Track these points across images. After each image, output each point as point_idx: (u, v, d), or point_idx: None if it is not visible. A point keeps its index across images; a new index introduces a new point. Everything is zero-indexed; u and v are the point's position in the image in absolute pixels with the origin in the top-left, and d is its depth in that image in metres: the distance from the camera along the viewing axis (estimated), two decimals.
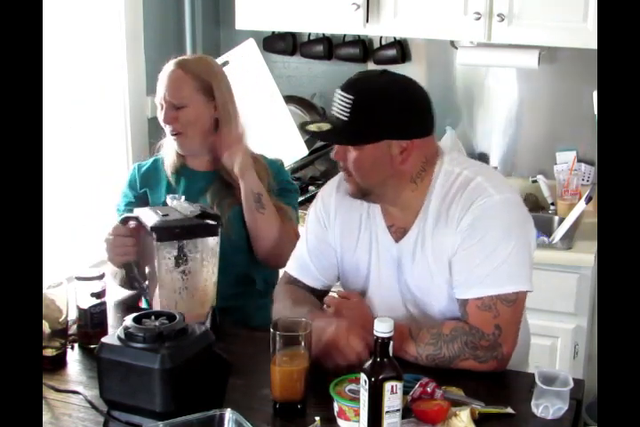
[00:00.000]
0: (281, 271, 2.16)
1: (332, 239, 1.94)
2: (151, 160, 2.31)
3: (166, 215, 1.84)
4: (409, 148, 1.73)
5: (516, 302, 1.73)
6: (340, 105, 1.71)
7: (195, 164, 2.24)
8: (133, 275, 1.96)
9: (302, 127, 1.79)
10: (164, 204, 2.01)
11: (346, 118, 1.70)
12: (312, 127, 1.77)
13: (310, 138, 3.11)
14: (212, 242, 1.85)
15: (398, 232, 1.85)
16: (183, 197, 1.93)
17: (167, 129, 2.17)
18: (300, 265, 1.99)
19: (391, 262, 1.86)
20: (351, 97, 1.69)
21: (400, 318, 1.80)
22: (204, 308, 1.83)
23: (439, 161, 1.81)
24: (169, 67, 2.16)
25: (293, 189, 2.33)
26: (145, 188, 2.25)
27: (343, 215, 1.92)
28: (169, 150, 2.24)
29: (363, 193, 1.80)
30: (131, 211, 2.08)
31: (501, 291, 1.72)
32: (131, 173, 2.30)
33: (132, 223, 1.94)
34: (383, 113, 1.71)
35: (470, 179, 1.77)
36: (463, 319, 1.76)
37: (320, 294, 1.98)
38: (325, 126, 1.74)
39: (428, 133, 1.78)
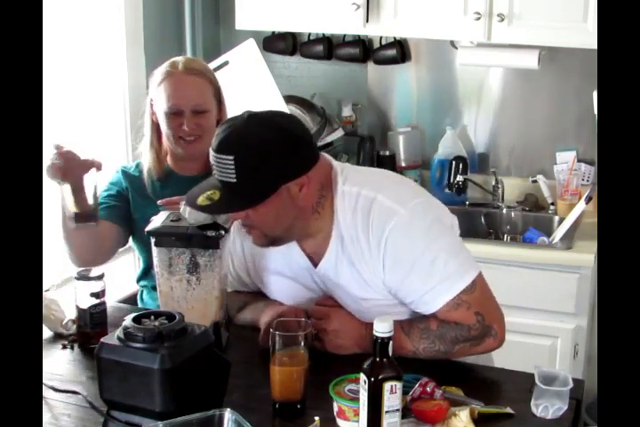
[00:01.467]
0: None
1: (243, 264, 1.94)
2: (135, 164, 2.30)
3: (176, 221, 1.81)
4: (306, 182, 1.66)
5: (476, 287, 1.74)
6: (222, 168, 1.61)
7: (184, 169, 2.24)
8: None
9: (193, 205, 1.69)
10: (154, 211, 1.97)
11: (234, 180, 1.60)
12: (202, 202, 1.64)
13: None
14: (214, 254, 1.80)
15: (315, 257, 1.80)
16: None
17: (181, 135, 2.15)
18: (234, 286, 1.99)
19: (316, 287, 1.84)
20: (231, 157, 1.59)
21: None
22: (205, 321, 1.77)
23: (334, 182, 1.74)
24: (177, 74, 2.14)
25: None
26: (129, 186, 2.25)
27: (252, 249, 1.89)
28: (151, 157, 2.22)
29: (271, 242, 1.75)
30: (111, 202, 2.16)
31: (459, 288, 1.72)
32: (116, 173, 2.29)
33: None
34: (270, 163, 1.61)
35: (371, 199, 1.71)
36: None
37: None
38: (215, 195, 1.64)
39: (316, 160, 1.70)
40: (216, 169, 1.64)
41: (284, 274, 1.87)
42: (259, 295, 1.96)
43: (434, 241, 1.73)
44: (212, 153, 1.64)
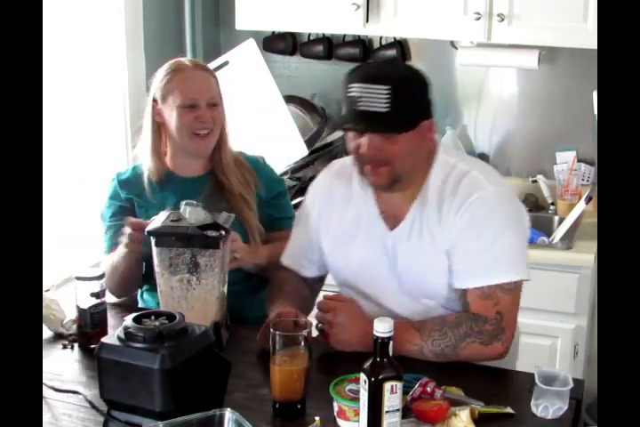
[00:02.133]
0: None
1: (316, 225, 1.98)
2: (130, 168, 2.27)
3: (176, 221, 1.81)
4: (431, 125, 1.81)
5: (514, 291, 1.78)
6: (373, 98, 1.71)
7: (186, 170, 2.22)
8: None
9: (340, 128, 1.81)
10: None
11: (385, 109, 1.70)
12: (350, 126, 1.77)
13: (310, 138, 3.12)
14: (214, 254, 1.80)
15: (390, 218, 1.87)
16: (201, 205, 1.87)
17: (195, 129, 2.13)
18: (293, 257, 2.05)
19: (383, 251, 1.87)
20: (387, 87, 1.70)
21: (398, 310, 1.86)
22: (205, 321, 1.77)
23: (436, 149, 1.86)
24: (189, 69, 2.15)
25: (283, 191, 2.33)
26: (129, 194, 2.21)
27: (331, 201, 1.96)
28: (152, 159, 2.19)
29: (394, 181, 1.81)
30: (118, 221, 2.11)
31: (502, 280, 1.77)
32: (110, 183, 2.24)
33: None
34: (417, 97, 1.78)
35: (465, 172, 1.82)
36: (464, 309, 1.80)
37: (317, 281, 2.07)
38: (359, 126, 1.75)
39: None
40: (365, 100, 1.72)
41: (355, 236, 1.90)
42: (297, 303, 1.94)
43: (507, 228, 1.79)
44: (359, 85, 1.72)
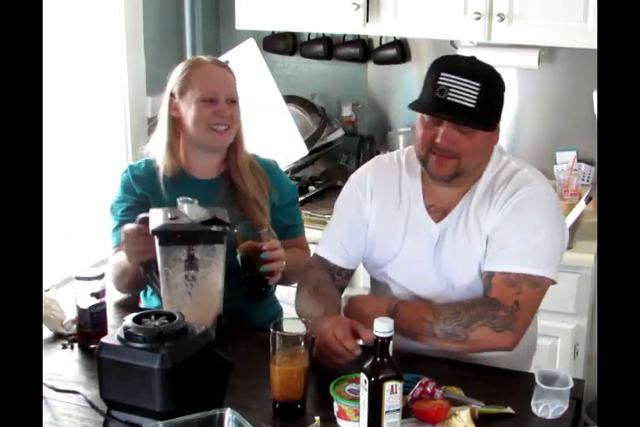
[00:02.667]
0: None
1: (367, 215, 1.98)
2: (142, 161, 2.21)
3: (175, 218, 1.80)
4: (499, 127, 1.86)
5: (539, 287, 1.80)
6: (463, 92, 1.75)
7: (199, 171, 2.18)
8: (151, 275, 1.92)
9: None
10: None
11: (472, 105, 1.74)
12: (435, 113, 1.79)
13: (310, 138, 3.12)
14: (217, 249, 1.80)
15: (438, 212, 1.90)
16: (196, 201, 1.86)
17: (213, 123, 2.09)
18: (332, 247, 2.01)
19: (428, 241, 1.90)
20: (479, 84, 1.74)
21: (428, 292, 1.89)
22: (210, 315, 1.79)
23: (493, 149, 1.91)
24: (209, 64, 2.15)
25: (296, 198, 2.30)
26: (143, 191, 2.16)
27: (380, 192, 1.97)
28: (167, 154, 2.14)
29: (456, 175, 1.84)
30: (129, 217, 2.04)
31: (530, 271, 1.78)
32: (123, 176, 2.19)
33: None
34: (501, 98, 1.84)
35: (517, 169, 1.88)
36: (485, 293, 1.81)
37: (347, 274, 2.03)
38: (445, 114, 1.77)
39: None
40: (454, 92, 1.75)
41: (403, 231, 1.92)
42: (335, 305, 1.93)
43: (547, 226, 1.83)
44: (452, 76, 1.76)
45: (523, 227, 1.81)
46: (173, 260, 1.80)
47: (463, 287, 1.87)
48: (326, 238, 2.05)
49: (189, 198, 1.86)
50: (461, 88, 1.75)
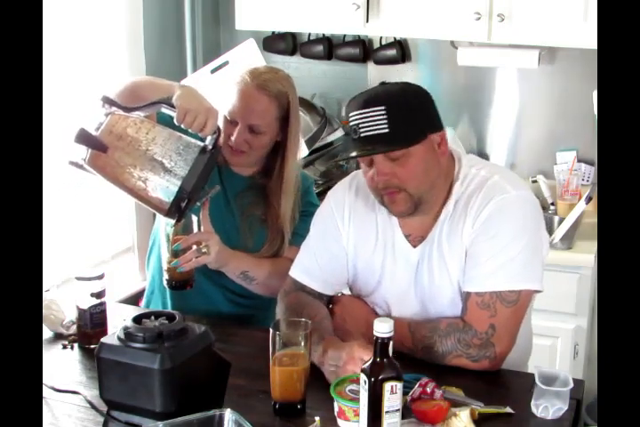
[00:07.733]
0: None
1: (345, 242, 1.92)
2: None
3: None
4: (443, 137, 1.77)
5: (517, 303, 1.74)
6: (371, 122, 1.69)
7: (239, 167, 2.17)
8: None
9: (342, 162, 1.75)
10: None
11: (386, 129, 1.68)
12: (355, 154, 1.73)
13: (310, 138, 3.11)
14: None
15: (416, 240, 1.85)
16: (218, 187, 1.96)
17: (229, 142, 2.07)
18: (307, 270, 1.95)
19: (408, 266, 1.86)
20: (382, 107, 1.68)
21: (410, 313, 1.84)
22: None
23: (457, 160, 1.84)
24: (249, 86, 2.05)
25: (312, 212, 2.17)
26: None
27: (358, 220, 1.91)
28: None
29: (415, 206, 1.78)
30: None
31: (505, 288, 1.73)
32: None
33: None
34: (416, 111, 1.73)
35: (487, 178, 1.80)
36: (461, 315, 1.77)
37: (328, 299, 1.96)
38: (362, 151, 1.71)
39: (442, 124, 1.81)
40: (364, 126, 1.70)
41: (381, 258, 1.87)
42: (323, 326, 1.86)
43: (521, 236, 1.77)
44: (356, 112, 1.71)
45: (493, 242, 1.75)
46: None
47: (443, 307, 1.82)
48: (301, 262, 1.97)
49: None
50: (368, 119, 1.69)
